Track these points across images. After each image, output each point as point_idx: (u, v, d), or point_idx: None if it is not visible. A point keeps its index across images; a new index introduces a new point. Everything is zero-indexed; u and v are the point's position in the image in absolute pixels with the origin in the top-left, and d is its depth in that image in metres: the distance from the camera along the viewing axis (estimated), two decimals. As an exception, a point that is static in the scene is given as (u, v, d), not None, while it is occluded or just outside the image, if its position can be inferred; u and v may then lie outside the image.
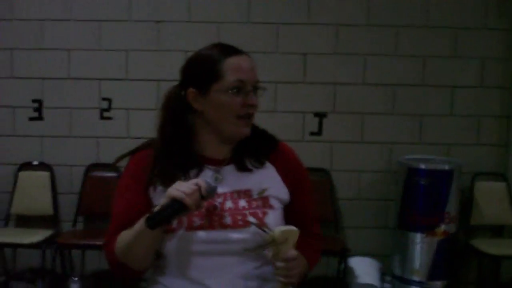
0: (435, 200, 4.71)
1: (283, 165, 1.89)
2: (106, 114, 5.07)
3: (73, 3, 4.98)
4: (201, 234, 1.74)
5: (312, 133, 4.97)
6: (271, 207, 1.82)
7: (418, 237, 4.72)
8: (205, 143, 1.84)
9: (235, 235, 1.75)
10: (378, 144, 5.11)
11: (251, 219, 1.76)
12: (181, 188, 1.63)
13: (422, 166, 4.73)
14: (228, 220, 1.76)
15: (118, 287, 4.83)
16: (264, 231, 1.70)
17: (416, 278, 4.76)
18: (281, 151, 1.91)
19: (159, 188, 1.78)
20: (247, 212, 1.78)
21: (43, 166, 5.08)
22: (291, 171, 1.90)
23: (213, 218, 1.75)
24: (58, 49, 5.03)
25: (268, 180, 1.85)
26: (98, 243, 4.63)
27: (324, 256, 5.05)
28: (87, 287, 4.91)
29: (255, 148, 1.86)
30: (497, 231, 5.18)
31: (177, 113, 1.83)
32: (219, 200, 1.78)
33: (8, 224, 5.08)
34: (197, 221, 1.75)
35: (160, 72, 4.99)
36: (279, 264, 1.68)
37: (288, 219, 1.85)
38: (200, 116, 1.81)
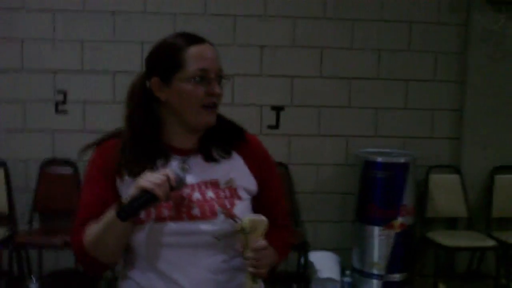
0: (392, 193, 4.77)
1: (251, 156, 1.89)
2: (61, 107, 4.98)
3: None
4: (170, 225, 1.72)
5: (269, 126, 4.96)
6: (239, 197, 1.81)
7: (376, 230, 4.76)
8: (172, 133, 1.81)
9: (203, 226, 1.73)
10: (335, 137, 5.14)
11: (219, 209, 1.75)
12: (151, 179, 1.62)
13: (379, 159, 4.78)
14: (196, 211, 1.74)
15: (77, 287, 4.75)
16: (234, 220, 1.69)
17: (375, 271, 4.80)
18: (248, 142, 1.90)
19: (127, 178, 1.76)
20: (215, 202, 1.76)
21: (-4, 162, 4.96)
22: (258, 162, 1.90)
23: (181, 210, 1.73)
24: (10, 38, 4.90)
25: (235, 171, 1.84)
26: (56, 241, 4.59)
27: (283, 249, 5.11)
28: None
29: (222, 138, 1.84)
30: (452, 223, 5.28)
31: (143, 103, 1.80)
32: (187, 191, 1.76)
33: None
34: (165, 212, 1.72)
35: (116, 64, 4.94)
36: (249, 254, 1.67)
37: (256, 210, 1.83)
38: (165, 106, 1.79)
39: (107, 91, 4.94)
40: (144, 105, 1.80)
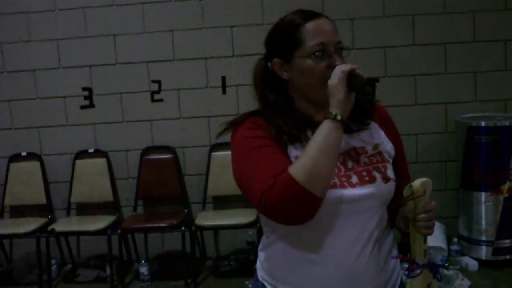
0: (498, 157, 4.62)
1: (383, 122, 1.89)
2: (156, 96, 5.07)
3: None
4: (336, 192, 1.69)
5: (365, 100, 4.87)
6: (387, 161, 1.82)
7: (483, 196, 4.64)
8: (302, 108, 1.81)
9: (364, 191, 1.72)
10: (433, 105, 5.02)
11: (378, 175, 1.75)
12: (338, 70, 1.65)
13: (483, 124, 4.63)
14: (355, 178, 1.74)
15: (183, 267, 4.88)
16: (404, 183, 1.66)
17: (484, 237, 4.69)
18: (378, 109, 1.90)
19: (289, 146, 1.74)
20: (370, 167, 1.77)
21: (99, 153, 5.12)
22: (390, 128, 1.91)
23: (341, 179, 1.73)
24: (103, 36, 5.03)
25: (377, 136, 1.84)
26: (161, 225, 4.74)
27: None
28: (154, 270, 4.94)
29: (356, 109, 1.79)
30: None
31: (269, 84, 1.82)
32: (340, 159, 1.75)
33: (69, 213, 5.14)
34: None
35: (207, 50, 4.98)
36: (422, 216, 1.64)
37: (395, 173, 1.83)
38: (290, 85, 1.80)
39: (200, 78, 5.01)
40: (271, 86, 1.82)
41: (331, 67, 1.70)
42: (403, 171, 1.91)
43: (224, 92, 5.03)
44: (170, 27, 4.99)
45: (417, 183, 1.63)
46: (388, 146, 1.85)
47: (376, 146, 1.82)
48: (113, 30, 5.02)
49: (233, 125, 1.80)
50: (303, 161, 1.59)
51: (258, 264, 1.91)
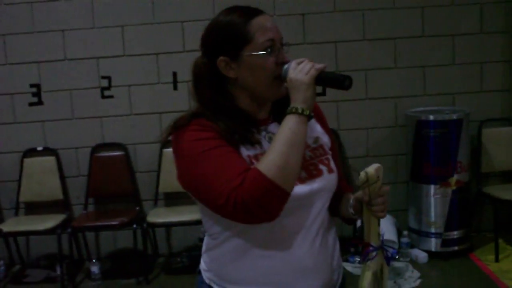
0: (446, 150, 4.71)
1: (317, 115, 1.89)
2: (107, 92, 5.00)
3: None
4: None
5: (317, 94, 4.90)
6: (328, 153, 1.84)
7: (432, 188, 4.72)
8: (245, 106, 1.78)
9: (314, 185, 1.73)
10: (384, 99, 5.08)
11: (333, 165, 1.81)
12: (307, 67, 1.65)
13: (431, 118, 4.71)
14: (303, 173, 1.73)
15: (135, 264, 4.84)
16: (359, 173, 1.70)
17: (433, 229, 4.78)
18: None
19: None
20: (315, 161, 1.78)
21: (48, 151, 5.03)
22: (323, 120, 1.92)
23: None
24: (51, 31, 4.93)
25: (314, 129, 1.85)
26: (112, 223, 4.68)
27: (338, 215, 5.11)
28: (106, 269, 4.88)
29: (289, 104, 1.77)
30: (508, 176, 5.19)
31: (211, 84, 1.76)
32: None
33: (18, 213, 5.04)
34: None
35: (158, 45, 4.94)
36: (379, 200, 1.69)
37: None
38: (235, 83, 1.75)
39: (151, 74, 4.97)
40: (213, 86, 1.76)
41: (280, 63, 1.70)
42: (336, 161, 1.93)
43: (175, 88, 4.99)
44: (120, 22, 4.92)
45: (371, 169, 1.68)
46: (325, 138, 1.87)
47: (316, 140, 1.83)
48: (62, 25, 4.92)
49: (177, 128, 1.72)
50: (272, 157, 1.57)
51: (203, 266, 1.87)
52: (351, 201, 1.81)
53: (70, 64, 4.97)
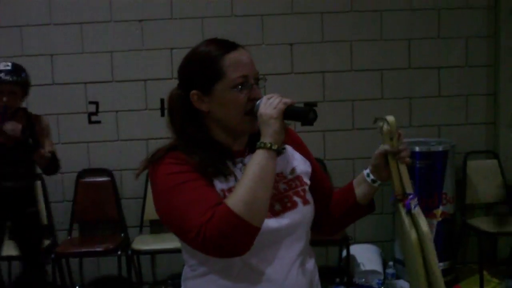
0: (432, 181, 4.74)
1: (294, 141, 1.91)
2: (94, 118, 4.99)
3: (53, 7, 4.90)
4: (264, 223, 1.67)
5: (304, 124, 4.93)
6: (306, 183, 1.84)
7: (418, 220, 4.72)
8: (220, 139, 1.79)
9: (288, 218, 1.74)
10: (370, 130, 5.09)
11: (309, 196, 1.81)
12: (275, 101, 1.66)
13: (417, 149, 4.74)
14: (278, 206, 1.74)
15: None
16: (381, 123, 1.81)
17: (418, 261, 4.77)
18: (289, 133, 1.89)
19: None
20: (290, 192, 1.78)
21: (33, 176, 4.98)
22: (301, 145, 1.93)
23: None
24: (40, 55, 4.93)
25: (292, 159, 1.86)
26: (97, 249, 4.64)
27: (323, 245, 5.10)
28: (89, 295, 4.84)
29: None
30: (492, 208, 5.22)
31: (186, 115, 1.77)
32: None
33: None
34: None
35: (146, 72, 4.95)
36: (404, 145, 1.79)
37: (314, 188, 1.87)
38: (208, 116, 1.77)
39: (139, 100, 4.98)
40: (187, 118, 1.77)
41: (252, 99, 1.72)
42: (325, 183, 1.97)
43: (162, 114, 4.99)
44: (109, 47, 4.94)
45: (391, 118, 1.78)
46: (305, 166, 1.87)
47: (292, 171, 1.83)
48: (51, 50, 4.93)
49: (152, 162, 1.73)
50: (240, 192, 1.57)
51: None
52: (365, 172, 1.87)
53: (57, 89, 4.97)
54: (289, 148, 1.87)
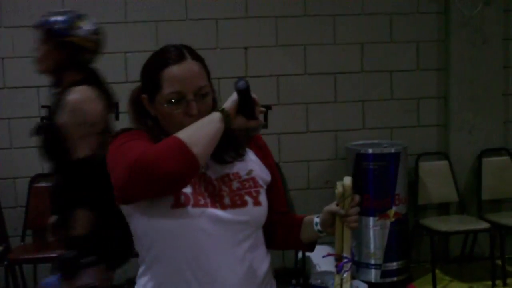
0: (384, 183, 4.82)
1: (258, 146, 1.93)
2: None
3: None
4: (208, 211, 1.72)
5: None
6: (261, 186, 1.85)
7: (371, 220, 4.81)
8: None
9: (235, 214, 1.75)
10: (324, 133, 5.18)
11: (262, 199, 1.82)
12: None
13: (370, 151, 4.82)
14: (227, 200, 1.76)
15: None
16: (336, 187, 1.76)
17: (373, 261, 4.85)
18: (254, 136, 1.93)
19: None
20: (242, 192, 1.80)
21: (-16, 181, 4.91)
22: (264, 152, 1.95)
23: (214, 199, 1.75)
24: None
25: (252, 163, 1.88)
26: (52, 255, 4.56)
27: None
28: (42, 302, 4.76)
29: (234, 141, 1.84)
30: (444, 208, 5.34)
31: (141, 116, 1.84)
32: (214, 184, 1.79)
33: (-48, 244, 4.88)
34: (201, 200, 1.73)
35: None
36: (353, 210, 1.76)
37: (270, 199, 1.88)
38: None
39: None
40: (143, 118, 1.84)
41: (188, 115, 1.73)
42: (280, 197, 1.98)
43: (117, 118, 4.94)
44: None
45: (347, 181, 1.75)
46: (263, 173, 1.89)
47: (249, 172, 1.85)
48: (2, 53, 4.86)
49: (112, 137, 1.82)
50: (186, 128, 1.65)
51: None
52: (315, 219, 1.86)
53: (9, 93, 4.89)
54: (250, 153, 1.90)
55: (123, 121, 4.83)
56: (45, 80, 4.80)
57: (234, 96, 1.70)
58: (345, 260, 1.79)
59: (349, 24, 5.13)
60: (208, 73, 1.82)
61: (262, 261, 1.85)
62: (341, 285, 1.79)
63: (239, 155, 1.86)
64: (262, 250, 1.86)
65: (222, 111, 1.67)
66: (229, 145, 1.82)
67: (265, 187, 1.88)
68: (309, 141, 5.17)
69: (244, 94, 1.69)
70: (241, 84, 1.68)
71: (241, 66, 5.02)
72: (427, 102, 5.29)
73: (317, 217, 1.87)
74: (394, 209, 4.81)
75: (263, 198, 1.83)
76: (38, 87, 4.90)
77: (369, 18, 5.14)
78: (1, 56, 4.87)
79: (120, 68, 4.90)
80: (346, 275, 1.79)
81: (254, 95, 1.72)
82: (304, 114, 5.13)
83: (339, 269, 1.80)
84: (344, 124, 5.20)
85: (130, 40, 4.89)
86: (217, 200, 1.75)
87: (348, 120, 5.20)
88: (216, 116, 1.67)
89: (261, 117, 1.77)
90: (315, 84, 5.13)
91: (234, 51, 5.02)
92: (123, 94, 5.01)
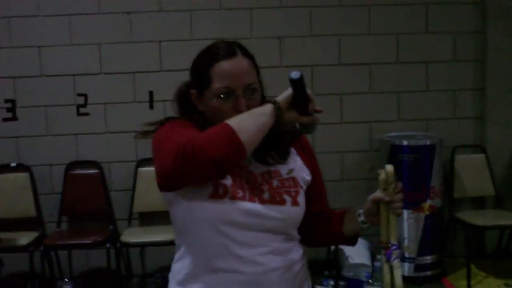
0: (419, 175, 4.76)
1: (302, 147, 1.93)
2: (82, 110, 4.98)
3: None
4: (245, 204, 1.72)
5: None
6: (300, 186, 1.85)
7: (405, 213, 4.76)
8: None
9: (273, 211, 1.75)
10: (358, 124, 5.14)
11: (301, 200, 1.82)
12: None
13: (405, 143, 4.77)
14: (267, 195, 1.76)
15: (108, 284, 4.79)
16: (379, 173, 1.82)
17: (406, 254, 4.81)
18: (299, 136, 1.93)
19: None
20: (281, 190, 1.79)
21: (21, 168, 4.98)
22: (308, 154, 1.94)
23: (254, 192, 1.75)
24: (28, 47, 4.91)
25: (293, 162, 1.88)
26: (86, 241, 4.64)
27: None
28: (78, 288, 4.84)
29: (280, 142, 1.85)
30: (479, 202, 5.26)
31: (188, 111, 1.86)
32: (259, 179, 1.80)
33: (-11, 229, 4.97)
34: (240, 193, 1.74)
35: (135, 64, 4.95)
36: (398, 197, 1.80)
37: (308, 199, 1.87)
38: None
39: (127, 92, 4.97)
40: (189, 113, 1.86)
41: (237, 110, 1.73)
42: (320, 197, 1.98)
43: (151, 107, 4.99)
44: (97, 40, 4.93)
45: (389, 168, 1.80)
46: (304, 173, 1.89)
47: (290, 171, 1.85)
48: (39, 42, 4.91)
49: (158, 124, 1.83)
50: (236, 116, 1.66)
51: (170, 276, 1.89)
52: (359, 211, 1.87)
53: (46, 81, 4.95)
54: (293, 151, 1.90)
55: (158, 110, 4.92)
56: (81, 68, 4.92)
57: (288, 90, 1.69)
58: (393, 247, 1.80)
59: (384, 14, 5.07)
60: (257, 70, 1.82)
61: (297, 253, 1.84)
62: (391, 273, 1.80)
63: (282, 158, 1.86)
64: (296, 245, 1.85)
65: (274, 103, 1.67)
66: (274, 146, 1.83)
67: (305, 187, 1.87)
68: (343, 132, 5.14)
69: (297, 85, 1.67)
70: (295, 73, 1.66)
71: (275, 56, 5.00)
72: (464, 94, 5.21)
73: (360, 208, 1.87)
74: (429, 202, 4.76)
75: (301, 199, 1.83)
76: (74, 75, 4.96)
77: (404, 8, 5.07)
78: (38, 44, 4.92)
79: (155, 57, 4.93)
80: (396, 262, 1.80)
81: (309, 91, 1.71)
82: (338, 105, 5.10)
83: (388, 257, 1.81)
84: (379, 116, 5.15)
85: (165, 30, 4.90)
86: (256, 194, 1.75)
87: (383, 112, 5.15)
88: (267, 107, 1.66)
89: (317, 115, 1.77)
90: (349, 74, 5.09)
91: (268, 41, 5.00)
92: (157, 83, 5.13)
